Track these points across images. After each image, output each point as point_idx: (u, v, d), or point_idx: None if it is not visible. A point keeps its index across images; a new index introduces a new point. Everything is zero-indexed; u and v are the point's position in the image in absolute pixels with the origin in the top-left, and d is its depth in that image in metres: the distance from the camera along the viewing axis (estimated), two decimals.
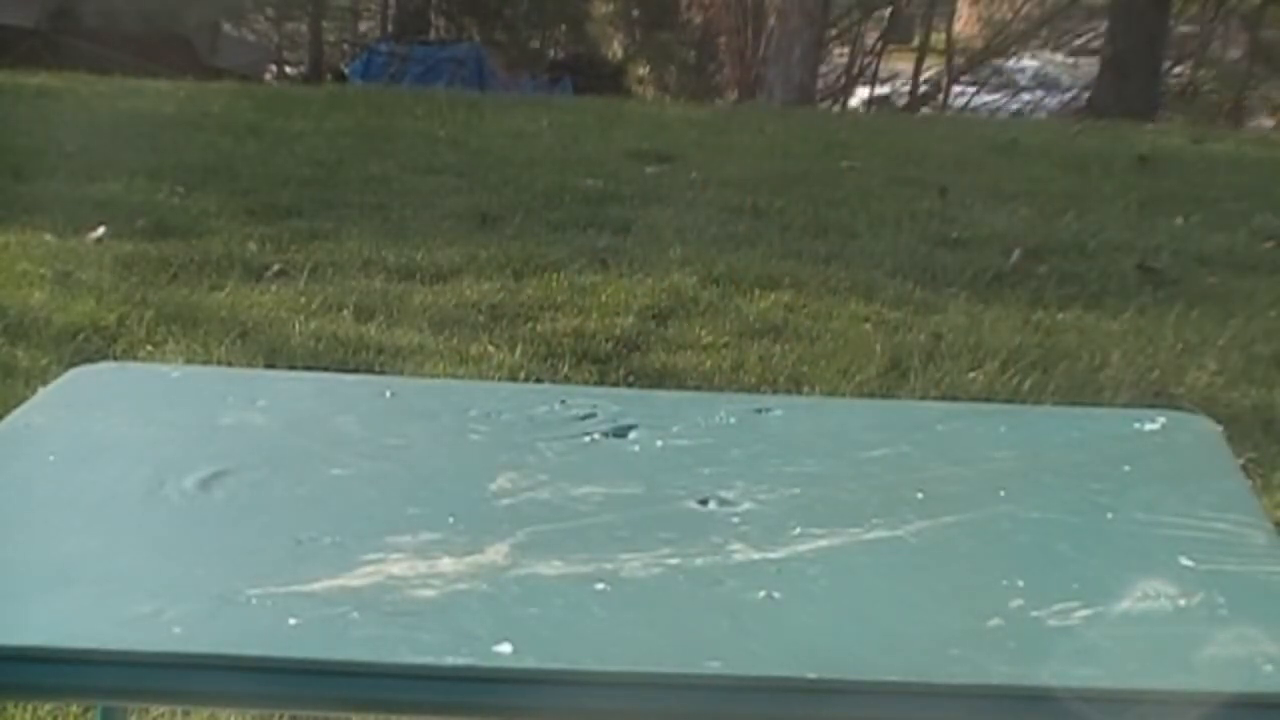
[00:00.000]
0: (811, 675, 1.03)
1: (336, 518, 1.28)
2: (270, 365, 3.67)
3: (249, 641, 1.06)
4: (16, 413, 1.52)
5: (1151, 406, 3.32)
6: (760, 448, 1.44)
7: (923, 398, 3.59)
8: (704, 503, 1.31)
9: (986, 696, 1.02)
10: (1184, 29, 14.53)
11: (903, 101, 14.73)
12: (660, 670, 1.04)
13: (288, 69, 14.78)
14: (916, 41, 15.93)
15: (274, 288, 4.40)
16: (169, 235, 4.95)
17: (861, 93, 14.87)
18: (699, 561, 1.19)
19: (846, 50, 14.93)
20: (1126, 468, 1.43)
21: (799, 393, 3.61)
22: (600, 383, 3.70)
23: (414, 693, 1.03)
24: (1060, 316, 4.48)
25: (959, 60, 15.41)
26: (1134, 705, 1.01)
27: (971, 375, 3.87)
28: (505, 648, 1.05)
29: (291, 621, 1.08)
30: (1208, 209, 6.03)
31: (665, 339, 4.13)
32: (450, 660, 1.03)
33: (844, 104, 13.60)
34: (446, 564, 1.17)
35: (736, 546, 1.22)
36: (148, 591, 1.12)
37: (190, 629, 1.07)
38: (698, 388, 3.71)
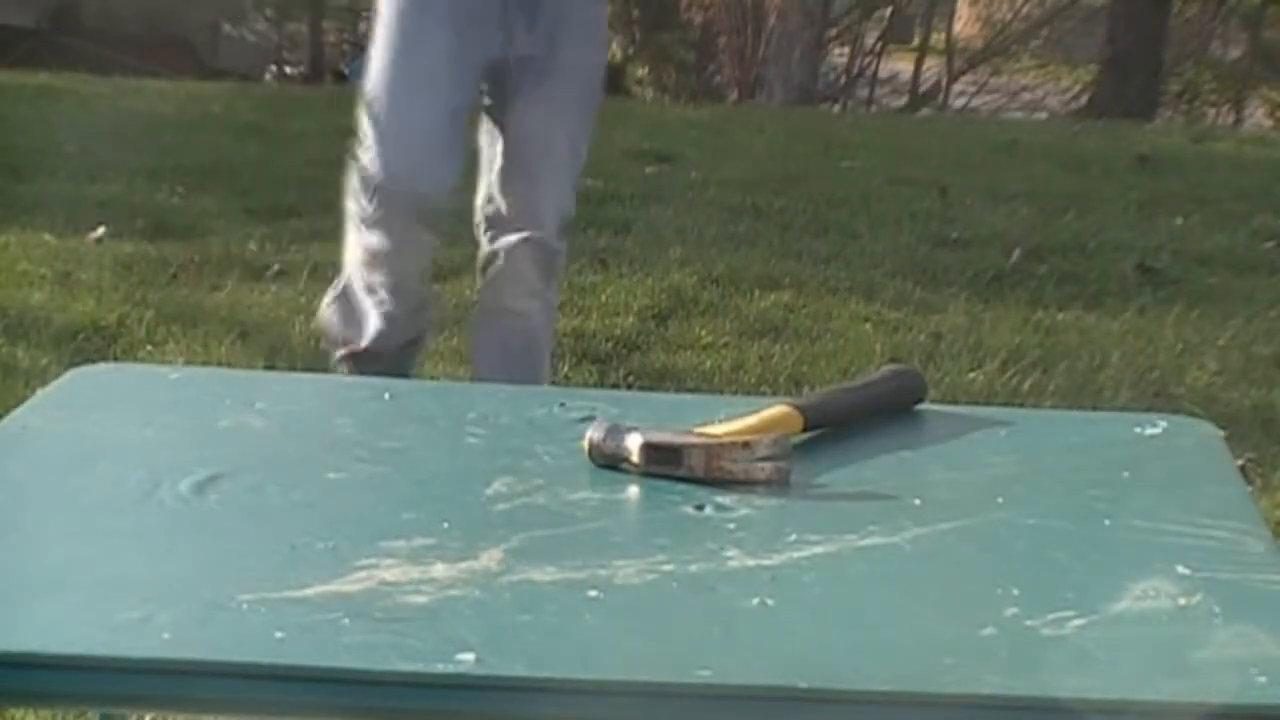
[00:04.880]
0: (803, 684, 1.02)
1: (331, 522, 1.28)
2: (270, 365, 3.67)
3: (238, 648, 1.06)
4: (14, 414, 1.52)
5: (1152, 409, 3.32)
6: None
7: None
8: (700, 508, 1.31)
9: (977, 706, 1.02)
10: (1184, 29, 14.55)
11: (902, 101, 14.74)
12: (650, 679, 1.04)
13: (288, 69, 14.78)
14: (916, 41, 15.93)
15: (274, 288, 4.40)
16: (169, 235, 4.95)
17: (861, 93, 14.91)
18: (693, 568, 1.19)
19: (846, 50, 14.92)
20: (1126, 473, 1.42)
21: (799, 393, 3.61)
22: (600, 382, 3.70)
23: (403, 700, 1.03)
24: (1060, 316, 4.47)
25: (959, 60, 15.42)
26: (1126, 715, 1.00)
27: (971, 375, 3.87)
28: (495, 655, 1.05)
29: (282, 628, 1.08)
30: (1208, 209, 6.03)
31: (665, 339, 4.13)
32: (440, 668, 1.03)
33: (844, 104, 13.60)
34: (439, 570, 1.17)
35: (731, 553, 1.22)
36: (139, 597, 1.12)
37: (180, 635, 1.07)
38: (698, 388, 3.71)
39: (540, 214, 2.92)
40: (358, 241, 2.96)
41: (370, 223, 2.89)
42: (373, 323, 2.99)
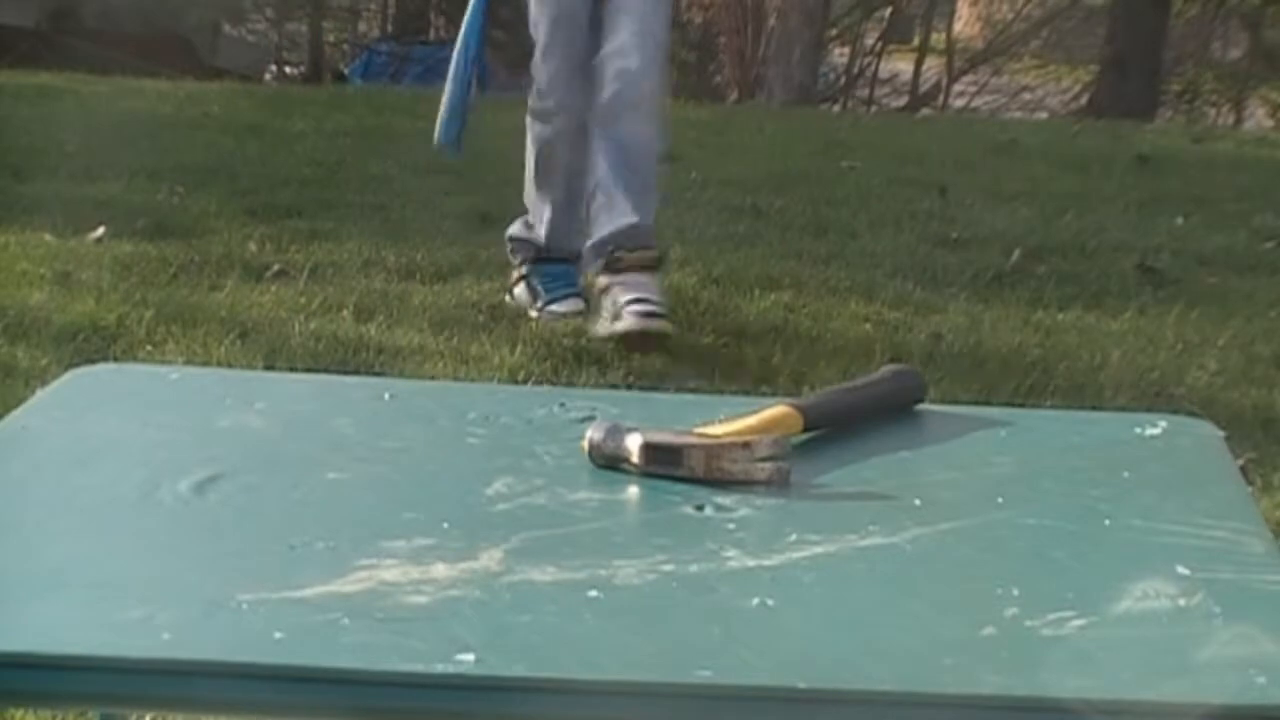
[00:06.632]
0: (802, 684, 1.02)
1: (331, 522, 1.28)
2: (270, 366, 3.67)
3: (238, 648, 1.06)
4: (13, 415, 1.52)
5: (1152, 409, 3.31)
6: None
7: None
8: (700, 508, 1.31)
9: (977, 706, 1.02)
10: (1184, 29, 14.55)
11: (902, 101, 14.75)
12: (650, 679, 1.04)
13: (288, 69, 14.79)
14: (916, 41, 15.94)
15: (274, 288, 4.40)
16: (169, 235, 4.94)
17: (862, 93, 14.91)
18: (693, 568, 1.19)
19: (846, 50, 14.93)
20: (1126, 474, 1.42)
21: (799, 393, 3.60)
22: (600, 383, 3.69)
23: (403, 700, 1.03)
24: (1060, 316, 4.47)
25: (959, 60, 15.43)
26: (1126, 715, 1.00)
27: (971, 375, 3.87)
28: (495, 655, 1.05)
29: (281, 628, 1.08)
30: (1208, 209, 6.02)
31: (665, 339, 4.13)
32: (440, 668, 1.03)
33: (844, 104, 13.61)
34: (439, 570, 1.17)
35: (731, 553, 1.22)
36: (139, 597, 1.12)
37: (180, 635, 1.07)
38: (698, 388, 3.71)
39: (641, 48, 3.94)
40: (533, 136, 4.02)
41: (544, 88, 3.96)
42: (547, 214, 4.01)
